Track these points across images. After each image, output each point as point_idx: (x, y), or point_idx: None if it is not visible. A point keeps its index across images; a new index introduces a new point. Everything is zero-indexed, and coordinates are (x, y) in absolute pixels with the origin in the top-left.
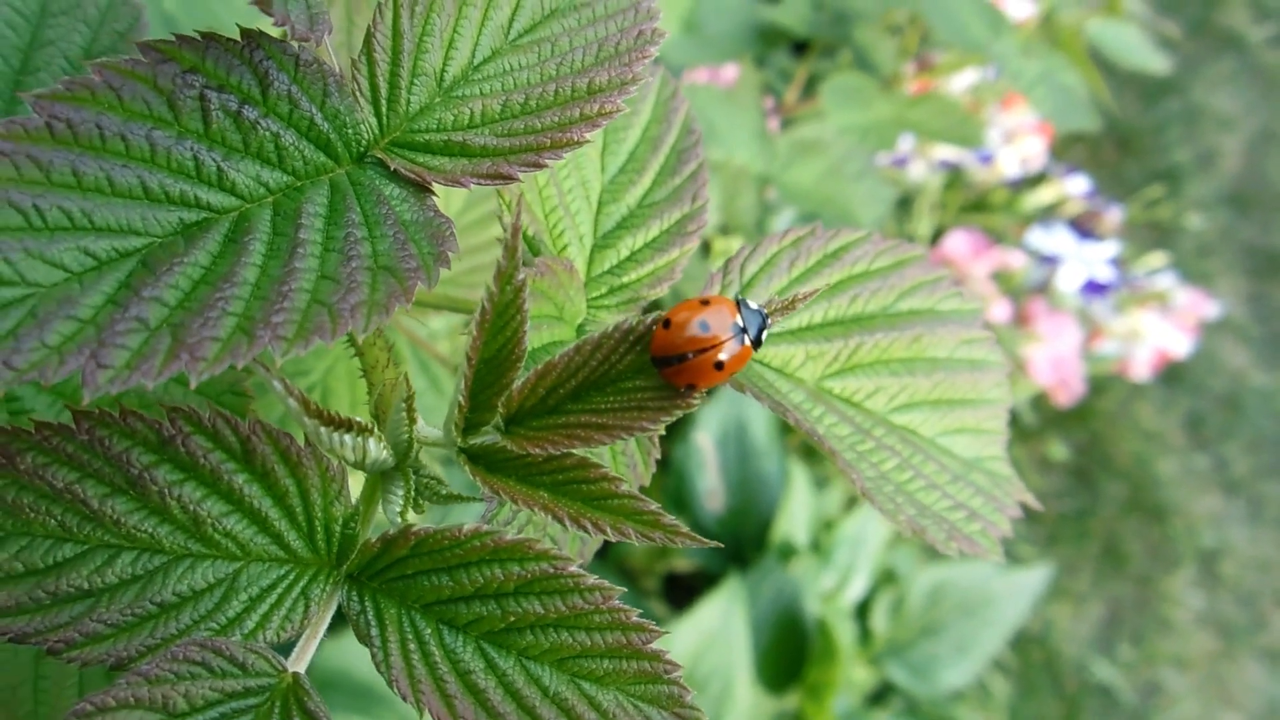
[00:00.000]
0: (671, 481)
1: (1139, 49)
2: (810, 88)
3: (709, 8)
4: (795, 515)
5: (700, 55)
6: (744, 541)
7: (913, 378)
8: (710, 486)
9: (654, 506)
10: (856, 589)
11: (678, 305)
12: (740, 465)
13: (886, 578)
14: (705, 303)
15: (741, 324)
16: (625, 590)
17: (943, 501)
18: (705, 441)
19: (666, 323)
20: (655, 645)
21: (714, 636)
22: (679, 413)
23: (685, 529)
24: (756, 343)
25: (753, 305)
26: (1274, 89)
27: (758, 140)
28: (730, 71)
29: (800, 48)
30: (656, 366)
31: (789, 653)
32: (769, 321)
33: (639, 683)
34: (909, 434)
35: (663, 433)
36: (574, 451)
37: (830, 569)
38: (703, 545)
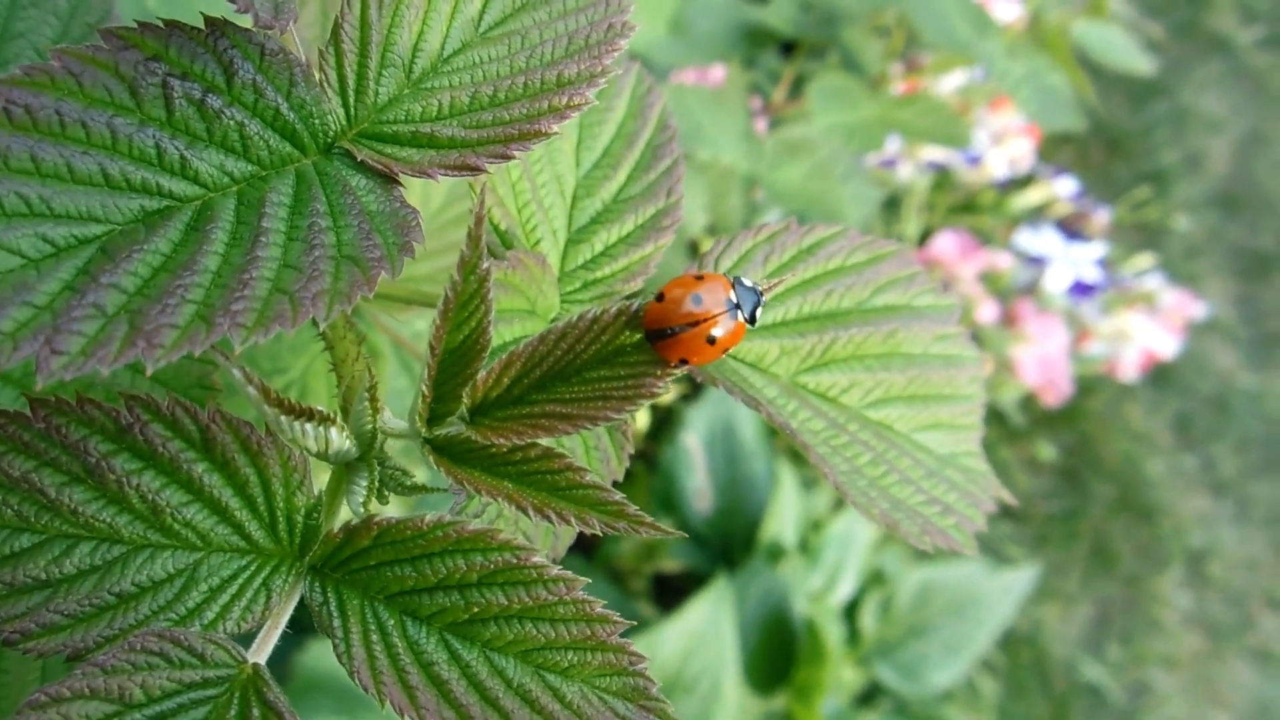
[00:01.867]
0: (660, 482)
1: (1124, 50)
2: (798, 88)
3: (696, 8)
4: (783, 516)
5: (688, 56)
6: (732, 542)
7: (888, 373)
8: (698, 487)
9: (618, 496)
10: (845, 589)
11: (672, 281)
12: (728, 466)
13: (875, 578)
14: (700, 278)
15: (735, 300)
16: (589, 581)
17: (917, 496)
18: (693, 442)
19: (661, 296)
20: (620, 637)
21: (702, 637)
22: (643, 402)
23: (649, 519)
24: (751, 320)
25: (747, 282)
26: (1262, 91)
27: (744, 141)
28: (718, 72)
29: (788, 48)
30: (649, 340)
31: (777, 653)
32: (763, 299)
33: (604, 675)
34: (884, 429)
35: (640, 427)
36: (540, 442)
37: (818, 569)
38: (666, 535)
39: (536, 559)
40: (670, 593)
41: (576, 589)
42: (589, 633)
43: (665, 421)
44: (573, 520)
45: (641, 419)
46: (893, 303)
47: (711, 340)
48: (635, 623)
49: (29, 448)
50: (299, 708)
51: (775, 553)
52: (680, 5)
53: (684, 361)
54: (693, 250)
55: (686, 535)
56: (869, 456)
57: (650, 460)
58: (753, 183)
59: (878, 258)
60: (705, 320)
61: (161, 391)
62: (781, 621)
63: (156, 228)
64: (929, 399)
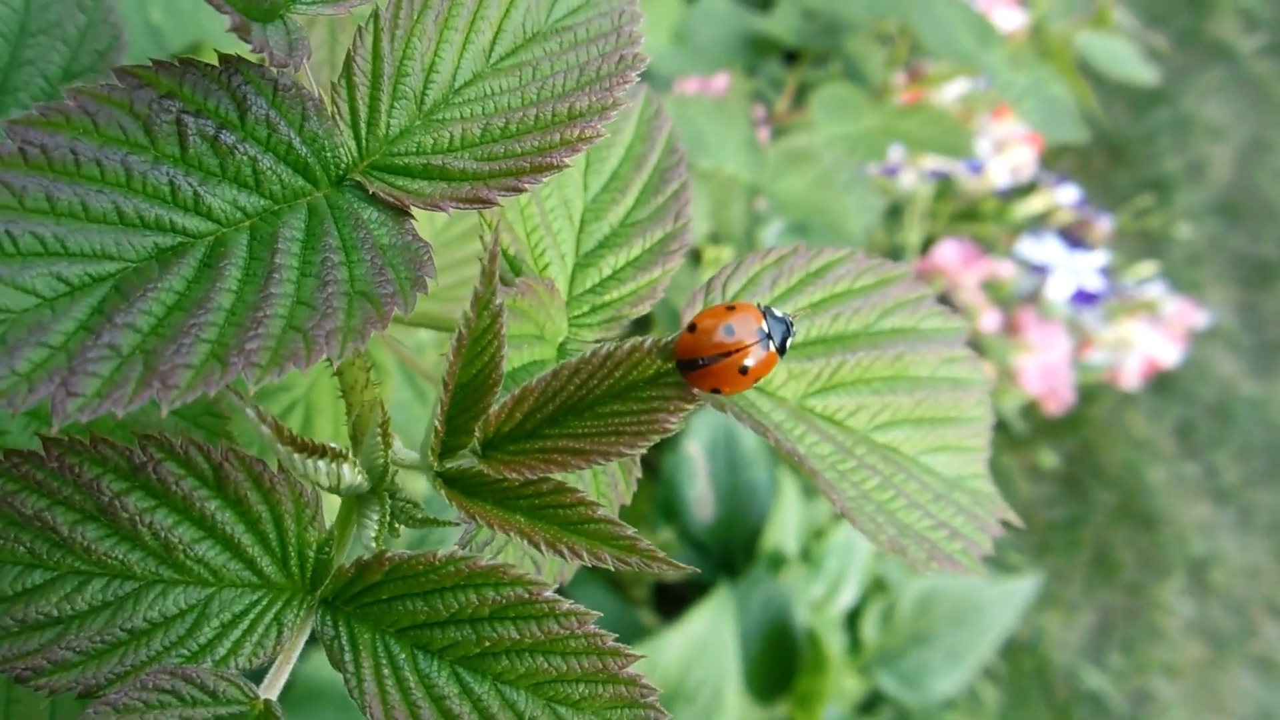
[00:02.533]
0: (661, 490)
1: (1127, 60)
2: (801, 97)
3: (699, 17)
4: (785, 524)
5: (690, 65)
6: (734, 550)
7: (895, 396)
8: (700, 495)
9: (630, 531)
10: (846, 598)
11: (703, 312)
12: (730, 474)
13: (876, 586)
14: (731, 309)
15: (767, 330)
16: (601, 615)
17: (924, 520)
18: (695, 450)
19: (693, 327)
20: (631, 669)
21: (703, 646)
22: (656, 438)
23: (661, 554)
24: (781, 349)
25: (777, 313)
26: (1263, 99)
27: (747, 150)
28: (721, 81)
29: (791, 57)
30: (681, 371)
31: (779, 662)
32: (793, 329)
33: (615, 707)
34: (891, 452)
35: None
36: (551, 475)
37: (820, 578)
38: (679, 570)
39: (548, 594)
40: (672, 601)
41: (588, 623)
42: (600, 665)
43: None
44: (585, 555)
45: None
46: (900, 325)
47: (744, 370)
48: (644, 655)
49: (42, 486)
50: (300, 716)
51: (777, 561)
52: (683, 14)
53: (716, 391)
54: (696, 258)
55: (699, 570)
56: (876, 481)
57: (652, 468)
58: (755, 192)
59: (885, 281)
60: (738, 351)
61: (172, 421)
62: (783, 630)
63: (170, 265)
64: (936, 421)
